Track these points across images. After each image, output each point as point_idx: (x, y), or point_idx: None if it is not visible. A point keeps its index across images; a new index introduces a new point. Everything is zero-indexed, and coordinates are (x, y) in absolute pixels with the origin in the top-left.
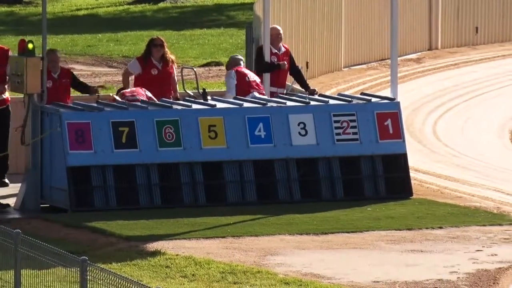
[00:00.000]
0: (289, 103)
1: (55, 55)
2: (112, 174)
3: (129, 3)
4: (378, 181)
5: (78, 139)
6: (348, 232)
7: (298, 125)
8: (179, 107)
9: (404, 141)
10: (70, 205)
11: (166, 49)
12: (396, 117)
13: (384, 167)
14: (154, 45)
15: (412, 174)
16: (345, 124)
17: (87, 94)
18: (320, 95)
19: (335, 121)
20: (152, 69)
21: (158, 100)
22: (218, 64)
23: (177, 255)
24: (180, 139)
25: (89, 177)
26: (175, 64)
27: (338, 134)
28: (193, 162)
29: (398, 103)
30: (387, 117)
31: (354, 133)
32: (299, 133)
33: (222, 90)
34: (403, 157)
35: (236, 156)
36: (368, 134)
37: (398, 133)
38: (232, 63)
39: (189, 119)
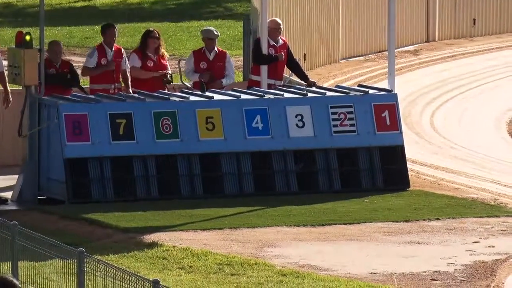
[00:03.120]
0: (286, 95)
1: (59, 46)
2: (110, 166)
3: None
4: (376, 173)
5: (75, 131)
6: (345, 224)
7: (296, 117)
8: (177, 99)
9: (401, 132)
10: (67, 196)
11: (162, 42)
12: (393, 109)
13: (381, 159)
14: (151, 36)
15: (409, 165)
16: (342, 116)
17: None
18: (318, 87)
19: (333, 113)
20: (148, 61)
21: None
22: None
23: (174, 246)
24: (177, 131)
25: (87, 168)
26: (167, 57)
27: (335, 126)
28: (191, 154)
29: (396, 94)
30: (384, 109)
31: (351, 125)
32: (297, 125)
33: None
34: (400, 148)
35: (234, 148)
36: (365, 126)
37: (396, 124)
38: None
39: (187, 111)
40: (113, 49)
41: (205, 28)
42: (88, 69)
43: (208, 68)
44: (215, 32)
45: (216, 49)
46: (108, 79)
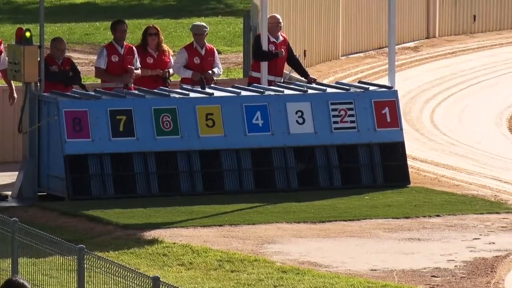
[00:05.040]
0: (286, 92)
1: (63, 43)
2: (110, 163)
3: None
4: (376, 169)
5: (75, 128)
6: (345, 221)
7: (296, 113)
8: (177, 96)
9: (401, 129)
10: (68, 193)
11: (162, 38)
12: (393, 106)
13: (381, 156)
14: (149, 33)
15: (409, 162)
16: (342, 113)
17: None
18: (318, 83)
19: (333, 110)
20: (148, 58)
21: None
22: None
23: (174, 243)
24: (177, 127)
25: (87, 165)
26: (171, 53)
27: (335, 122)
28: (191, 151)
29: (396, 91)
30: (384, 106)
31: (351, 122)
32: (297, 121)
33: (223, 78)
34: (401, 145)
35: (234, 145)
36: (365, 123)
37: (396, 121)
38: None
39: (187, 107)
40: (125, 46)
41: (194, 23)
42: (100, 73)
43: (201, 63)
44: (204, 27)
45: (206, 44)
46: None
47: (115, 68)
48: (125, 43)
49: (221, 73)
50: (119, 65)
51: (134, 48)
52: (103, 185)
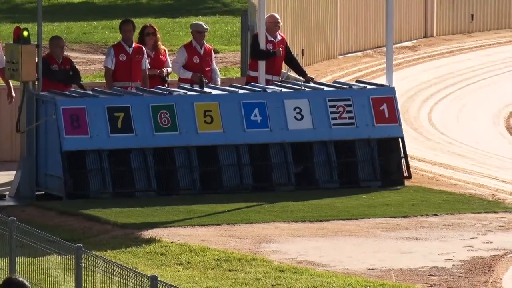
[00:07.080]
0: (284, 90)
1: (62, 40)
2: (108, 159)
3: None
4: (375, 164)
5: (74, 124)
6: (343, 220)
7: (294, 109)
8: (175, 93)
9: (400, 125)
10: (65, 189)
11: (159, 37)
12: (391, 102)
13: (380, 151)
14: (146, 33)
15: None
16: (341, 109)
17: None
18: (315, 82)
19: (331, 106)
20: None
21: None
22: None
23: (172, 242)
24: (176, 123)
25: (85, 161)
26: (167, 52)
27: (334, 118)
28: (189, 147)
29: (393, 88)
30: (382, 102)
31: (350, 118)
32: (295, 117)
33: (221, 77)
34: (400, 140)
35: (232, 140)
36: (364, 118)
37: (394, 117)
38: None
39: (185, 104)
40: (133, 46)
41: (194, 22)
42: (107, 72)
43: (201, 63)
44: (205, 26)
45: (204, 44)
46: (126, 77)
47: (122, 67)
48: (134, 43)
49: (219, 78)
50: (126, 65)
51: (143, 48)
52: (101, 181)
